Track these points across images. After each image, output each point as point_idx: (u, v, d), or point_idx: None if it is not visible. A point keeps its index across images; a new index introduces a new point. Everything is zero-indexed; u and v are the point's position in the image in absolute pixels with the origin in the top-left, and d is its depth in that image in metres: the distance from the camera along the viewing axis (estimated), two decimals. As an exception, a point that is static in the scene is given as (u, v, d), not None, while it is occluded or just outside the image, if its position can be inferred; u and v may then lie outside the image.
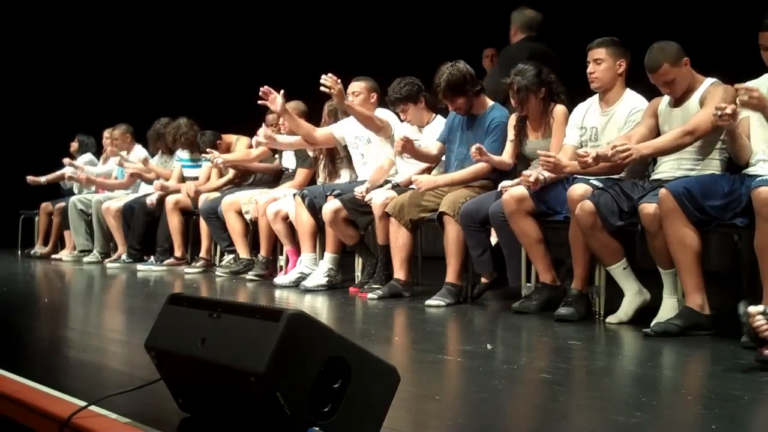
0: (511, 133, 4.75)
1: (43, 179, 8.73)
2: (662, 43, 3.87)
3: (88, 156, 8.71)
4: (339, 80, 5.11)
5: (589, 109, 4.41)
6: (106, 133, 8.34)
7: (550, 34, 6.57)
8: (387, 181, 5.34)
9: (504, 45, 6.38)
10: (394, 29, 8.18)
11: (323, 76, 5.08)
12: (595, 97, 4.38)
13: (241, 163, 6.97)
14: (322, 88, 5.15)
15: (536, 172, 4.21)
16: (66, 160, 8.42)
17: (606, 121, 4.30)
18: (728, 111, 3.37)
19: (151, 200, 7.23)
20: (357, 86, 5.61)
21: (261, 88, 5.57)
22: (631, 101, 4.26)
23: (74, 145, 8.87)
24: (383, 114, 5.59)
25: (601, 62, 4.24)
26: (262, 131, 6.16)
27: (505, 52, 5.73)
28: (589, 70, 4.27)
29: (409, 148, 4.92)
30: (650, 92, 4.19)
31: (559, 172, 4.12)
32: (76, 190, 8.66)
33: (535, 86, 4.52)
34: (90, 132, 8.76)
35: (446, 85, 4.80)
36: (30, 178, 8.63)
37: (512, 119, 4.77)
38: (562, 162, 4.13)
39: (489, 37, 7.24)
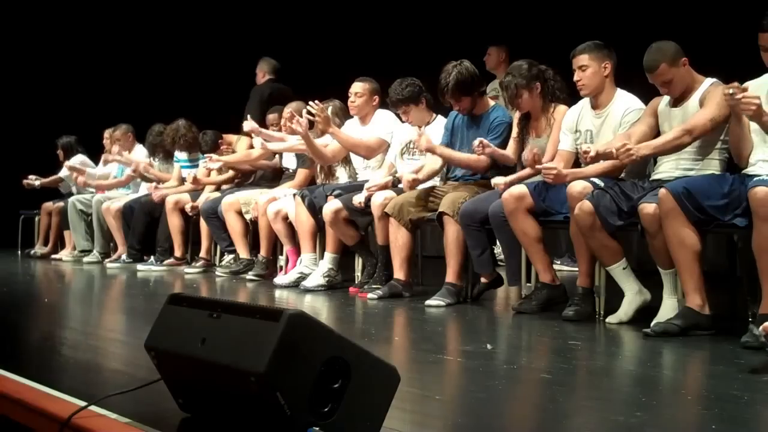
0: (514, 131, 4.74)
1: (37, 183, 8.73)
2: (660, 43, 3.87)
3: (80, 157, 8.67)
4: (325, 108, 5.29)
5: (581, 112, 4.40)
6: (107, 134, 8.34)
7: (547, 35, 6.59)
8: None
9: (507, 44, 6.61)
10: (394, 29, 8.18)
11: (310, 104, 5.29)
12: (586, 99, 4.38)
13: (242, 164, 6.97)
14: (307, 116, 5.34)
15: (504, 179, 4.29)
16: (67, 164, 8.42)
17: (601, 124, 4.29)
18: (742, 86, 3.35)
19: (152, 193, 7.24)
20: (359, 87, 5.61)
21: (284, 115, 5.81)
22: (625, 101, 4.26)
23: (61, 153, 8.83)
24: (384, 118, 5.59)
25: (586, 68, 4.23)
26: (248, 125, 6.17)
27: (254, 90, 7.59)
28: (575, 78, 4.27)
29: (414, 184, 4.98)
30: (644, 92, 4.19)
31: (561, 180, 4.13)
32: (74, 191, 8.66)
33: (525, 81, 4.50)
34: (90, 132, 8.75)
35: (455, 84, 4.76)
36: (25, 182, 8.65)
37: (516, 117, 4.77)
38: (563, 172, 4.14)
39: (487, 37, 7.25)
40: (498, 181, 4.53)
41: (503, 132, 4.81)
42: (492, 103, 5.04)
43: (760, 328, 2.87)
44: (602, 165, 4.09)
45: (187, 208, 7.03)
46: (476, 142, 4.56)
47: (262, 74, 7.68)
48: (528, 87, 4.52)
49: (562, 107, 4.57)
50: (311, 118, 5.35)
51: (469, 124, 4.98)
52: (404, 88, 5.20)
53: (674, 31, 3.98)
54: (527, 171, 4.51)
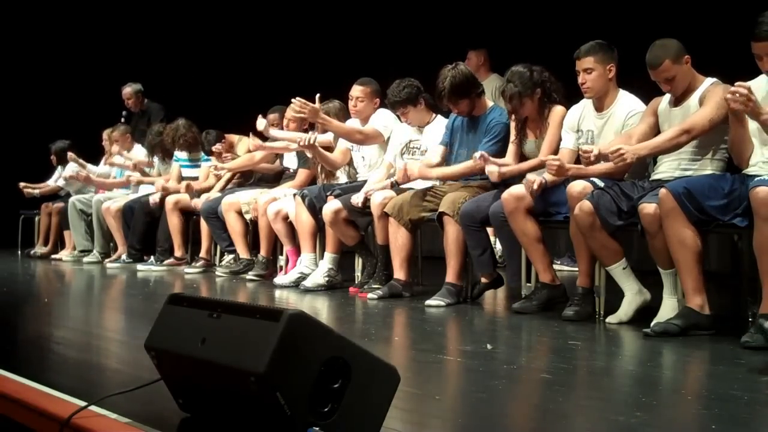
0: (512, 134, 4.74)
1: (37, 192, 8.75)
2: (664, 40, 3.87)
3: (73, 165, 8.63)
4: (306, 102, 5.26)
5: (583, 112, 4.39)
6: (105, 134, 8.34)
7: (546, 34, 6.59)
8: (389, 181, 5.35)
9: (494, 46, 6.66)
10: (393, 29, 8.19)
11: (292, 103, 5.31)
12: (588, 99, 4.37)
13: (246, 169, 6.97)
14: (296, 115, 5.47)
15: (539, 177, 4.19)
16: (70, 155, 8.40)
17: (602, 124, 4.29)
18: (743, 90, 3.31)
19: (153, 199, 7.25)
20: (359, 91, 5.61)
21: (287, 116, 5.98)
22: (628, 103, 4.25)
23: (54, 159, 8.86)
24: (383, 115, 5.59)
25: (591, 71, 4.20)
26: (262, 122, 6.18)
27: (154, 111, 8.52)
28: (580, 80, 4.24)
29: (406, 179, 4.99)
30: (644, 91, 4.18)
31: (563, 174, 4.12)
32: (73, 192, 8.66)
33: (529, 90, 4.48)
34: (89, 133, 8.74)
35: (451, 88, 4.77)
36: (26, 191, 8.65)
37: (513, 120, 4.76)
38: (566, 165, 4.13)
39: (484, 36, 7.28)
40: (492, 169, 4.52)
41: (500, 133, 4.81)
42: (490, 104, 5.04)
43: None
44: (606, 164, 4.08)
45: (183, 187, 7.09)
46: (477, 155, 4.55)
47: (140, 98, 8.57)
48: (531, 95, 4.50)
49: (558, 108, 4.56)
50: (297, 115, 5.38)
51: (469, 126, 4.98)
52: (402, 90, 5.19)
53: (673, 31, 3.97)
54: (525, 165, 4.53)
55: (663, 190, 3.60)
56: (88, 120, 8.73)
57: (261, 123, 6.17)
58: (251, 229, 6.42)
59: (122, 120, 8.51)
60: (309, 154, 5.92)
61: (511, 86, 4.49)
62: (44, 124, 9.26)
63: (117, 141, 8.13)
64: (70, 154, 8.39)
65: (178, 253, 7.10)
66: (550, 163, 4.08)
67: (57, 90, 9.54)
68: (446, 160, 5.09)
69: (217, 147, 6.98)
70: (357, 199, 5.19)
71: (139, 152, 8.07)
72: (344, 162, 5.86)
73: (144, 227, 7.36)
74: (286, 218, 5.87)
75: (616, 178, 4.10)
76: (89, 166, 8.46)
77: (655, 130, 4.01)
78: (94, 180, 8.28)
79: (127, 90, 8.51)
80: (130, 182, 8.05)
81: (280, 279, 5.71)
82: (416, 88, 5.22)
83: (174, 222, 7.08)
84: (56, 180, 8.94)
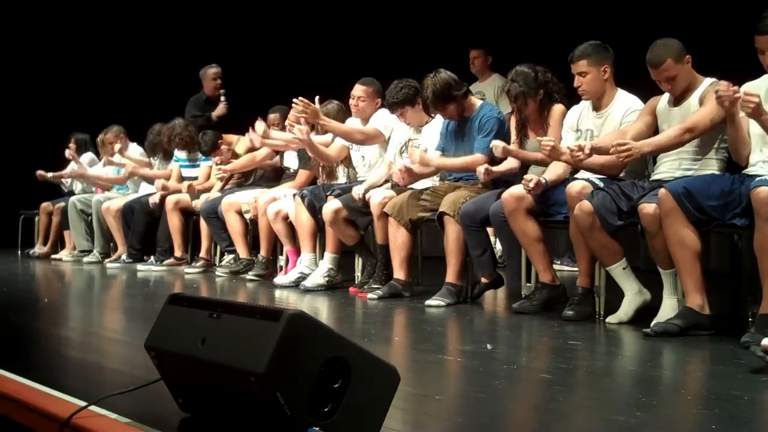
0: (512, 135, 4.74)
1: (50, 175, 8.72)
2: (665, 40, 3.88)
3: (90, 155, 8.67)
4: (309, 102, 5.27)
5: (582, 111, 4.41)
6: (98, 140, 8.32)
7: (546, 33, 6.59)
8: (386, 181, 5.36)
9: (495, 47, 6.67)
10: (393, 30, 8.19)
11: (294, 102, 5.30)
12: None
13: (247, 168, 6.97)
14: (298, 115, 5.39)
15: (537, 177, 4.20)
16: (69, 152, 8.38)
17: (601, 123, 4.30)
18: (730, 91, 3.34)
19: (153, 200, 7.25)
20: (361, 91, 5.62)
21: (290, 118, 5.85)
22: (625, 102, 4.26)
23: (73, 146, 8.84)
24: (384, 115, 5.59)
25: (585, 74, 4.22)
26: (261, 126, 6.18)
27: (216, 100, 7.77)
28: (575, 83, 4.27)
29: (407, 179, 4.97)
30: (643, 91, 4.18)
31: (557, 157, 4.11)
32: (76, 190, 8.65)
33: (532, 90, 4.51)
34: (89, 133, 8.75)
35: (434, 96, 4.81)
36: (39, 173, 8.64)
37: (513, 121, 4.76)
38: (561, 148, 4.11)
39: (485, 36, 7.28)
40: (480, 168, 4.56)
41: (492, 127, 4.81)
42: (479, 102, 5.04)
43: (760, 345, 2.86)
44: (603, 157, 4.06)
45: (184, 187, 7.07)
46: (481, 169, 4.56)
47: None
48: (534, 95, 4.53)
49: (557, 106, 4.58)
50: (299, 115, 5.39)
51: (460, 127, 4.98)
52: (399, 91, 5.20)
53: (673, 32, 3.97)
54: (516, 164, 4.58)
55: (662, 190, 3.60)
56: (88, 120, 8.73)
57: (260, 126, 6.17)
58: (251, 229, 6.42)
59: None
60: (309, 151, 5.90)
61: (515, 86, 4.52)
62: (44, 123, 9.25)
63: (111, 143, 8.09)
64: (67, 151, 8.38)
65: (178, 253, 7.10)
66: (544, 144, 4.08)
67: (57, 90, 9.53)
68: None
69: (216, 159, 6.98)
70: (358, 191, 5.20)
71: (134, 150, 8.05)
72: (339, 157, 5.86)
73: (144, 227, 7.35)
74: (286, 218, 5.87)
75: (612, 175, 4.10)
76: (83, 164, 8.44)
77: (652, 129, 4.01)
78: (90, 176, 8.25)
79: (214, 70, 7.76)
80: (129, 176, 8.01)
81: (280, 279, 5.71)
82: (414, 88, 5.22)
83: (174, 222, 7.08)
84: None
